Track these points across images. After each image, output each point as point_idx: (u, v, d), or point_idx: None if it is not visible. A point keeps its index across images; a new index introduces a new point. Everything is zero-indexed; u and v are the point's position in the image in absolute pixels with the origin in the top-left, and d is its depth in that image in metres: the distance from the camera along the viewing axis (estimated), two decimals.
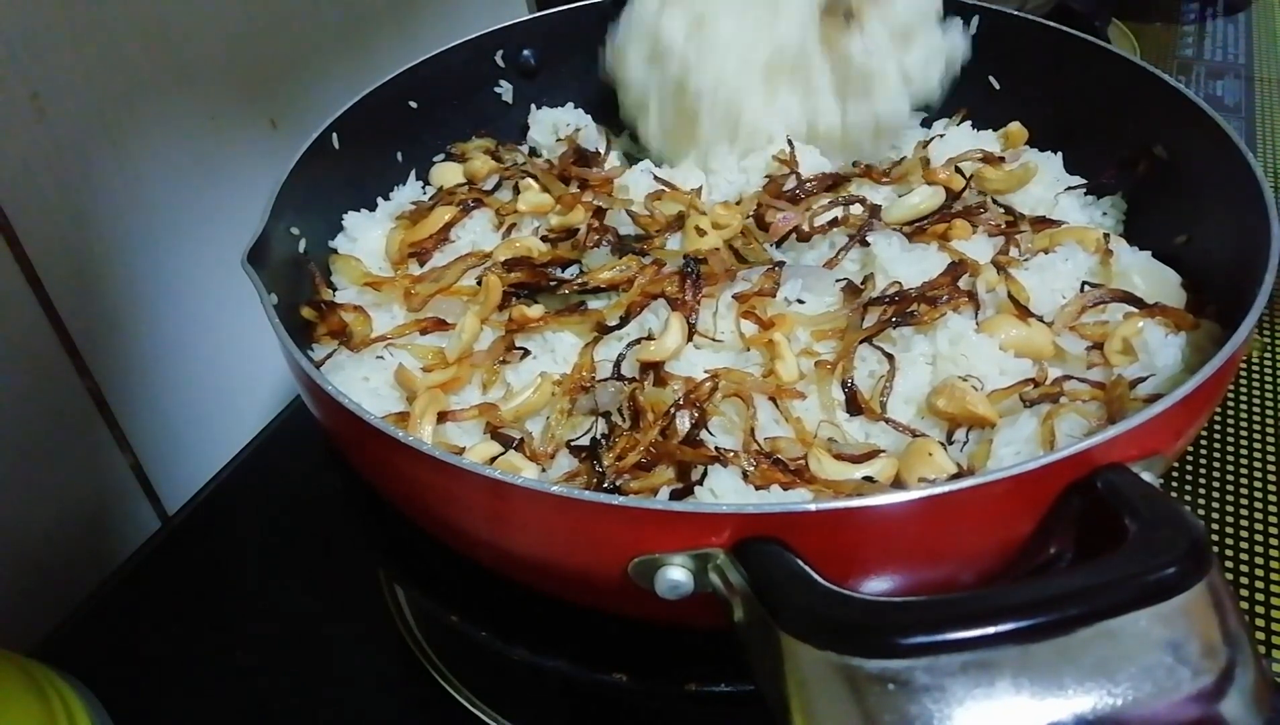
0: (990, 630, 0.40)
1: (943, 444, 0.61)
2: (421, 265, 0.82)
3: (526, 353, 0.71)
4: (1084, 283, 0.72)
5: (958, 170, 0.82)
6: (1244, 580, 0.78)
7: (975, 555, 0.52)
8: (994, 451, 0.61)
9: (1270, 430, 0.91)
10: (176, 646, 0.80)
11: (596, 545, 0.50)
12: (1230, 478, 0.86)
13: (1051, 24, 0.89)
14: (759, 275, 0.74)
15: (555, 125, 0.97)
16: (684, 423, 0.62)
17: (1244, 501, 0.84)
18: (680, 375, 0.67)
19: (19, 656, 0.68)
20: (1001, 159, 0.85)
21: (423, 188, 0.93)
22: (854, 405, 0.65)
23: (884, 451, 0.61)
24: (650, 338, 0.69)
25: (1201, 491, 0.85)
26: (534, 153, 0.95)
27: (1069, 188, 0.85)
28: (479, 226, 0.85)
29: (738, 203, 0.83)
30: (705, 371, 0.66)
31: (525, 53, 0.98)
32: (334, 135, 0.81)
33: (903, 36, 0.84)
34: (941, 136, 0.88)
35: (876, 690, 0.40)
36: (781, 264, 0.75)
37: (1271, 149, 1.31)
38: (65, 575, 0.86)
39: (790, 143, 0.85)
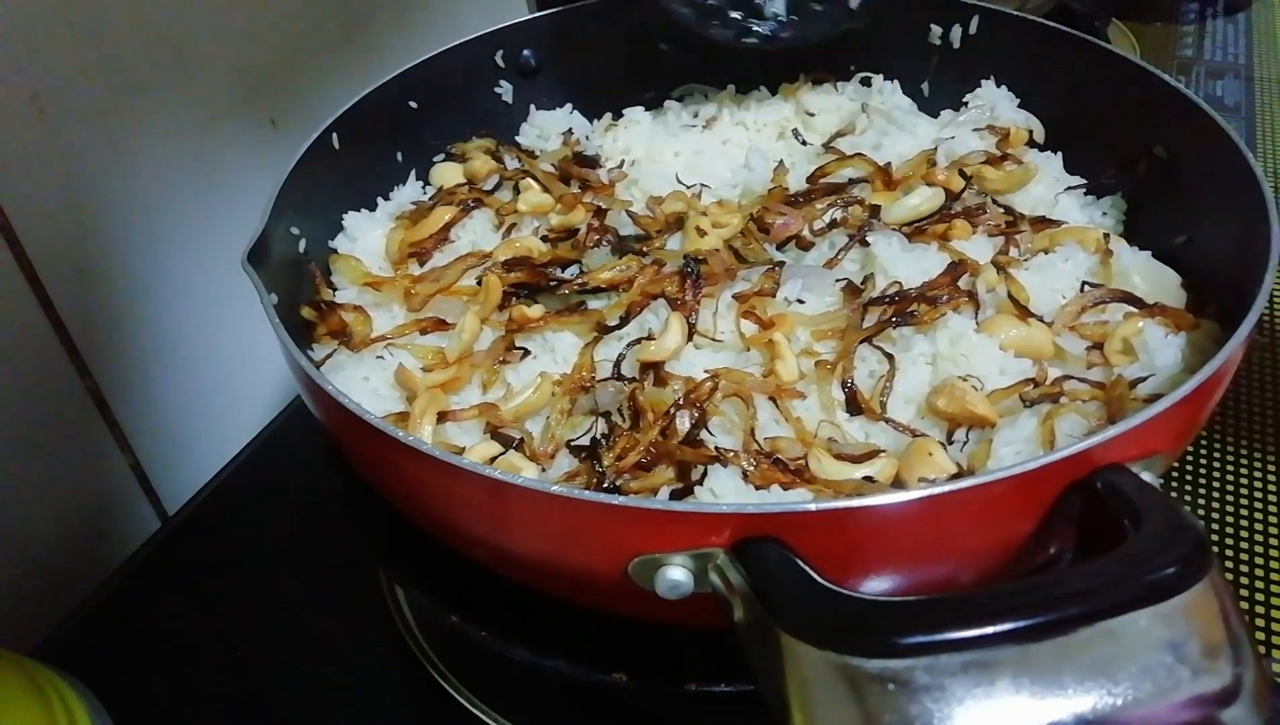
0: (990, 630, 0.40)
1: (943, 444, 0.61)
2: (421, 265, 0.82)
3: (526, 353, 0.71)
4: (1084, 283, 0.72)
5: (960, 173, 0.82)
6: (1244, 580, 0.78)
7: (975, 555, 0.52)
8: (994, 451, 0.61)
9: (1270, 430, 0.91)
10: (176, 646, 0.80)
11: (596, 545, 0.50)
12: (1230, 478, 0.86)
13: (1051, 24, 0.89)
14: (759, 275, 0.74)
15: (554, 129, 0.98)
16: (684, 423, 0.62)
17: (1244, 501, 0.84)
18: (680, 375, 0.67)
19: (19, 656, 0.68)
20: (1003, 159, 0.85)
21: (423, 188, 0.93)
22: (854, 405, 0.65)
23: (884, 451, 0.61)
24: (650, 338, 0.69)
25: (1201, 491, 0.85)
26: (531, 154, 0.95)
27: (1069, 188, 0.85)
28: (479, 226, 0.85)
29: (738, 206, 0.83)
30: (705, 371, 0.66)
31: (525, 53, 0.98)
32: (334, 135, 0.81)
33: None
34: (952, 138, 0.88)
35: (876, 690, 0.40)
36: (781, 264, 0.75)
37: (1271, 149, 1.31)
38: (65, 575, 0.86)
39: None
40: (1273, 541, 0.80)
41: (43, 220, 0.79)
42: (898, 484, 0.60)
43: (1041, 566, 0.53)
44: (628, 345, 0.69)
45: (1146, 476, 0.49)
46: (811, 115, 0.97)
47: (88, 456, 0.88)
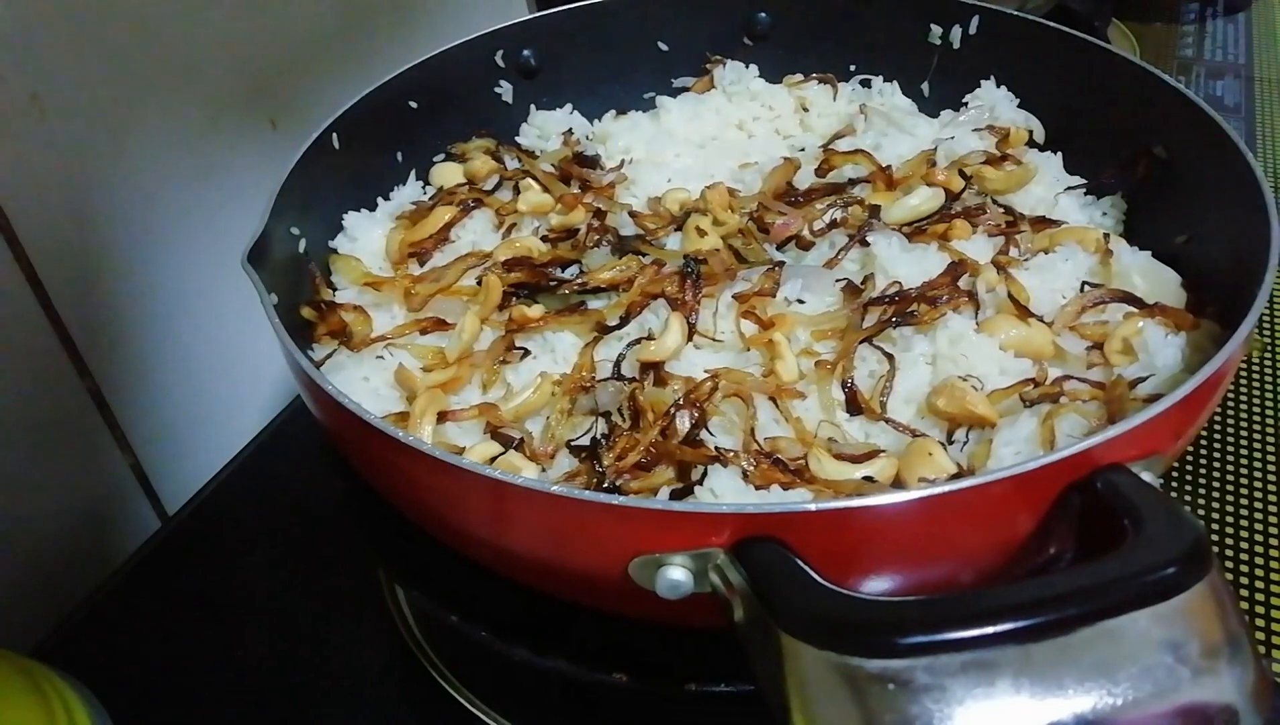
0: (990, 630, 0.40)
1: (943, 444, 0.61)
2: (421, 265, 0.82)
3: (526, 353, 0.71)
4: (1084, 283, 0.72)
5: (960, 173, 0.82)
6: (1244, 580, 0.78)
7: (975, 555, 0.52)
8: (994, 451, 0.61)
9: (1270, 430, 0.91)
10: (176, 646, 0.80)
11: (596, 545, 0.50)
12: (1230, 478, 0.86)
13: (1051, 24, 0.89)
14: (759, 275, 0.74)
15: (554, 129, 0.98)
16: (684, 423, 0.62)
17: (1244, 501, 0.84)
18: (680, 375, 0.67)
19: (19, 656, 0.68)
20: (1003, 159, 0.85)
21: (423, 188, 0.93)
22: (854, 405, 0.65)
23: (884, 451, 0.61)
24: (650, 338, 0.69)
25: (1201, 491, 0.85)
26: (531, 154, 0.95)
27: (1069, 188, 0.85)
28: (479, 226, 0.85)
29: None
30: (705, 371, 0.66)
31: (525, 53, 0.98)
32: (334, 135, 0.81)
33: None
34: (952, 138, 0.88)
35: (877, 690, 0.40)
36: (781, 264, 0.75)
37: (1271, 149, 1.31)
38: (65, 575, 0.86)
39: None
40: (1273, 541, 0.80)
41: (43, 220, 0.79)
42: (898, 484, 0.60)
43: (1041, 566, 0.53)
44: (628, 345, 0.69)
45: (1146, 476, 0.49)
46: (806, 110, 0.97)
47: (88, 456, 0.88)
